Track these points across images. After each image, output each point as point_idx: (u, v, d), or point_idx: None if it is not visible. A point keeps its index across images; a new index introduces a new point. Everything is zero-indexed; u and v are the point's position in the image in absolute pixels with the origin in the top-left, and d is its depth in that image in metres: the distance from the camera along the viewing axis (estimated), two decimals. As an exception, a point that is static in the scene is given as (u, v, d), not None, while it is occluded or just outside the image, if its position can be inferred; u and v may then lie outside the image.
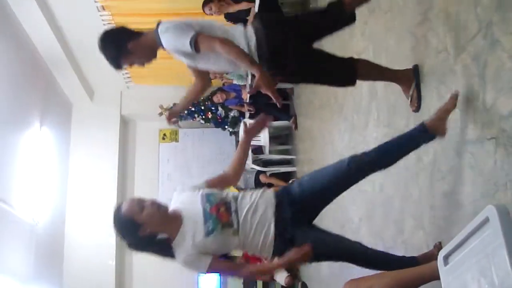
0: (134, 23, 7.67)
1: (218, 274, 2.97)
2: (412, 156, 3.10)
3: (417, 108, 3.06)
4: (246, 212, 2.74)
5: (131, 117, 10.33)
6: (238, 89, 8.61)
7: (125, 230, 2.73)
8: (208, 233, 2.66)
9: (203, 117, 9.26)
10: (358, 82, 3.14)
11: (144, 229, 2.66)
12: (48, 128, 8.40)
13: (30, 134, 7.68)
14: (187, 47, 2.86)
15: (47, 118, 8.32)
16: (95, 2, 7.25)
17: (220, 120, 9.31)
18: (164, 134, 10.46)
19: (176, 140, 10.45)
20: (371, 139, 3.97)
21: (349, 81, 3.12)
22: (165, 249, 2.76)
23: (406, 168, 3.23)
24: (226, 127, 9.46)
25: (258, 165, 8.60)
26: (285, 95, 8.40)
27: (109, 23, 7.69)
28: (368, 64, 3.16)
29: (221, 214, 2.70)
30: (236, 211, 2.74)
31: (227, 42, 2.81)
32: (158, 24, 3.03)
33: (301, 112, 7.76)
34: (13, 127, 7.16)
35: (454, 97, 2.52)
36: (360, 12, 4.17)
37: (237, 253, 8.98)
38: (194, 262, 2.69)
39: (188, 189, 2.95)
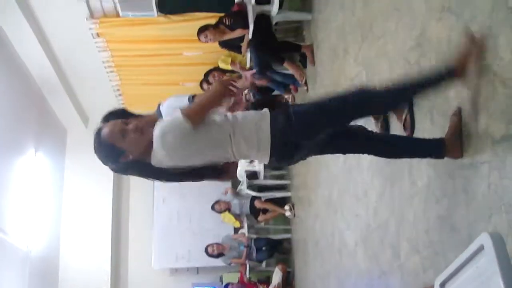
0: (128, 50, 7.81)
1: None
2: (406, 180, 3.12)
3: (410, 133, 3.08)
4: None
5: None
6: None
7: (106, 157, 2.59)
8: None
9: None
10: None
11: (127, 156, 2.54)
12: (43, 154, 8.40)
13: (24, 160, 7.67)
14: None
15: (41, 144, 8.32)
16: (90, 29, 7.29)
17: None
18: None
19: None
20: (365, 162, 3.98)
21: None
22: (151, 171, 2.60)
23: (401, 192, 3.24)
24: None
25: (253, 190, 8.58)
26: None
27: (103, 50, 7.74)
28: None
29: None
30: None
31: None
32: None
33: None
34: (8, 153, 7.14)
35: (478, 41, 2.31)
36: (353, 37, 4.24)
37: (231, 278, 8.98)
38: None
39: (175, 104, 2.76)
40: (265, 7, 6.09)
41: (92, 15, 7.14)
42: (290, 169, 8.47)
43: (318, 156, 5.28)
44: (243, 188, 8.59)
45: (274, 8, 5.88)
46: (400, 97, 2.69)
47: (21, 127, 7.65)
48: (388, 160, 3.30)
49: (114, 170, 2.67)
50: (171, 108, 3.00)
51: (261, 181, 8.64)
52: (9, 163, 7.18)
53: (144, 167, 2.60)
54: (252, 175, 8.61)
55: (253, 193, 8.56)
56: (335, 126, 2.64)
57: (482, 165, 2.25)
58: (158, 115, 3.08)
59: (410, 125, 3.08)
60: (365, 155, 3.92)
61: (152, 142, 2.47)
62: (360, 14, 4.13)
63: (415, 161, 2.99)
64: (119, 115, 2.90)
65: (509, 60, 2.05)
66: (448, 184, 2.59)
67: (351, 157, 4.39)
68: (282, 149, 2.58)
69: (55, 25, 7.16)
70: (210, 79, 7.15)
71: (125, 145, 2.53)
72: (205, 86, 7.30)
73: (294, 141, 2.56)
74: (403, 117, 3.12)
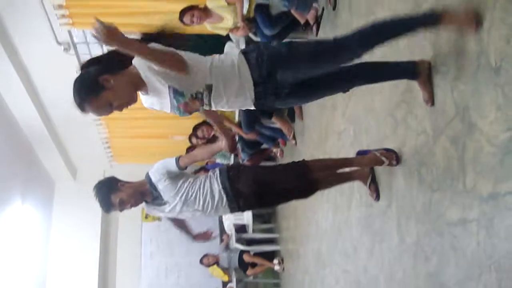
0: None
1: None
2: (395, 236, 3.10)
3: (377, 198, 3.45)
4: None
5: (113, 196, 10.22)
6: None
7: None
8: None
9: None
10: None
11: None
12: (30, 206, 8.36)
13: (11, 211, 7.62)
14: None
15: (29, 195, 8.27)
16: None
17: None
18: (147, 214, 10.35)
19: (159, 219, 10.33)
20: (354, 219, 3.97)
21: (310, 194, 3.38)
22: None
23: (389, 249, 3.21)
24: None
25: (241, 244, 8.51)
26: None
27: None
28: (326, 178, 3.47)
29: (190, 108, 2.61)
30: (210, 105, 2.61)
31: None
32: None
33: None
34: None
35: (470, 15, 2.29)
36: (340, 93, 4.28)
37: None
38: None
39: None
40: None
41: (82, 67, 7.19)
42: (278, 222, 8.42)
43: (307, 211, 5.27)
44: (232, 242, 8.52)
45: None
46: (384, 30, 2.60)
47: (8, 177, 7.60)
48: (377, 214, 3.33)
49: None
50: (159, 171, 3.26)
51: (250, 234, 8.57)
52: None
53: None
54: (240, 229, 8.56)
55: (242, 247, 8.48)
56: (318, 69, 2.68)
57: (470, 223, 2.24)
58: (147, 181, 3.33)
59: (375, 192, 3.46)
60: (354, 210, 3.92)
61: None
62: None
63: (404, 218, 2.99)
64: (108, 186, 3.33)
65: (494, 118, 2.07)
66: (437, 241, 2.58)
67: (340, 213, 4.38)
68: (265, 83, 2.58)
69: (44, 77, 7.21)
70: (199, 133, 7.16)
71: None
72: (194, 140, 7.30)
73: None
74: (367, 185, 3.49)
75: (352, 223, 4.01)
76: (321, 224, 5.07)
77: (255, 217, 8.40)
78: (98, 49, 6.89)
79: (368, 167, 3.47)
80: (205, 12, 5.76)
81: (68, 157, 9.29)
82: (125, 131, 8.58)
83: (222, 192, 3.30)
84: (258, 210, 8.31)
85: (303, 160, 3.37)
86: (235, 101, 2.60)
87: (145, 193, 3.35)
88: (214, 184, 3.34)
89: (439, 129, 2.58)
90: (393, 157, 3.14)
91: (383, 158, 3.18)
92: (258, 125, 6.45)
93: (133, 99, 2.54)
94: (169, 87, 2.46)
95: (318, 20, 5.07)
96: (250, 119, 6.25)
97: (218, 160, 8.32)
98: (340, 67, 2.74)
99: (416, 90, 2.80)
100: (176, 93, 2.49)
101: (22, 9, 6.11)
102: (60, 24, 6.24)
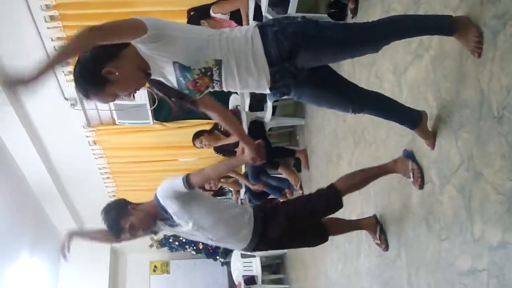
0: (124, 157, 7.89)
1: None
2: (405, 286, 3.07)
3: (385, 248, 3.43)
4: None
5: (121, 249, 10.19)
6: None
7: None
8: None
9: (194, 248, 9.19)
10: (347, 212, 3.21)
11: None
12: (38, 260, 8.30)
13: (19, 265, 7.57)
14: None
15: (36, 250, 8.22)
16: (87, 137, 7.39)
17: (211, 251, 9.22)
18: (155, 266, 10.29)
19: (168, 272, 10.27)
20: (363, 269, 3.93)
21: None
22: None
23: (401, 299, 3.18)
24: (218, 257, 9.35)
25: (251, 295, 8.41)
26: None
27: (100, 157, 7.80)
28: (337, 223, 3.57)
29: (200, 86, 2.31)
30: (220, 82, 2.32)
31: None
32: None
33: (293, 240, 7.71)
34: (2, 259, 7.05)
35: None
36: (346, 143, 4.32)
37: None
38: None
39: None
40: (258, 114, 6.20)
41: (88, 123, 7.24)
42: (288, 273, 8.33)
43: (316, 260, 5.21)
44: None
45: (267, 115, 5.99)
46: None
47: (16, 232, 7.58)
48: (386, 263, 3.30)
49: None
50: (167, 194, 3.02)
51: (259, 286, 8.47)
52: (3, 267, 7.08)
53: None
54: (249, 280, 8.46)
55: (252, 298, 8.37)
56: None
57: (481, 272, 2.22)
58: (156, 203, 3.04)
59: (384, 242, 3.45)
60: (363, 260, 3.89)
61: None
62: (352, 121, 4.22)
63: (413, 268, 2.96)
64: (117, 210, 3.06)
65: (499, 167, 2.08)
66: (448, 292, 2.55)
67: (349, 263, 4.34)
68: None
69: (52, 132, 7.26)
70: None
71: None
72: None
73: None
74: (377, 235, 3.49)
75: (362, 273, 3.97)
76: (331, 274, 5.02)
77: (264, 268, 8.32)
78: (105, 104, 6.97)
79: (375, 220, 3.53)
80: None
81: (76, 211, 9.27)
82: (132, 184, 8.59)
83: (251, 232, 3.17)
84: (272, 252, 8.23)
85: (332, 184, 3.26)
86: (248, 80, 2.30)
87: (156, 216, 3.09)
88: (244, 219, 3.18)
89: (445, 178, 2.58)
90: (419, 180, 2.90)
91: (411, 174, 2.94)
92: (264, 175, 6.45)
93: (141, 84, 2.33)
94: (173, 63, 2.21)
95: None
96: (257, 170, 6.26)
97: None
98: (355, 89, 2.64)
99: (420, 141, 2.82)
100: (183, 69, 2.22)
101: (26, 65, 6.17)
102: (67, 80, 6.33)
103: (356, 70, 4.08)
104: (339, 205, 3.18)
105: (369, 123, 3.76)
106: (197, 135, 6.45)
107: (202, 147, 6.52)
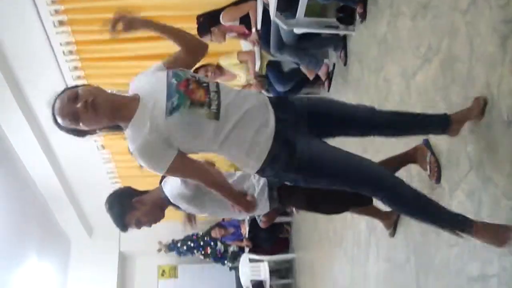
0: (132, 161, 7.88)
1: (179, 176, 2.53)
2: (415, 292, 3.05)
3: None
4: (235, 96, 2.21)
5: (129, 253, 10.21)
6: (237, 225, 8.63)
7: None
8: (171, 111, 2.09)
9: (202, 252, 9.18)
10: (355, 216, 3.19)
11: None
12: (46, 263, 8.34)
13: (27, 269, 7.59)
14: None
15: (45, 253, 8.26)
16: (95, 141, 7.41)
17: (219, 256, 9.21)
18: (163, 270, 10.29)
19: (176, 276, 10.26)
20: (372, 274, 3.91)
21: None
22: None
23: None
24: (226, 262, 9.34)
25: (259, 300, 8.38)
26: (283, 230, 8.47)
27: (108, 161, 7.83)
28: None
29: (191, 91, 2.14)
30: (218, 92, 2.17)
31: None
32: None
33: (301, 246, 7.70)
34: (10, 262, 7.09)
35: (481, 102, 2.28)
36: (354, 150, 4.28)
37: None
38: (153, 152, 2.19)
39: (149, 73, 2.34)
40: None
41: (98, 129, 7.28)
42: (296, 278, 8.32)
43: (325, 265, 5.19)
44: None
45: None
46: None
47: (24, 235, 7.62)
48: (395, 268, 3.27)
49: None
50: (175, 200, 2.89)
51: (268, 291, 8.46)
52: (12, 271, 7.12)
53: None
54: (258, 285, 8.44)
55: (260, 304, 8.34)
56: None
57: (491, 278, 2.21)
58: (165, 199, 2.92)
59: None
60: (372, 265, 3.87)
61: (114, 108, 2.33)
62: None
63: (423, 273, 2.94)
64: (120, 205, 2.93)
65: (509, 172, 2.06)
66: (458, 298, 2.53)
67: (357, 268, 4.32)
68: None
69: (60, 136, 7.25)
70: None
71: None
72: None
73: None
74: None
75: (371, 279, 3.94)
76: (339, 280, 4.99)
77: (272, 273, 8.30)
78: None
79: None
80: (220, 69, 5.87)
81: (84, 215, 9.31)
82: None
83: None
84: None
85: None
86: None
87: (164, 206, 2.96)
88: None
89: (454, 183, 2.56)
90: (435, 174, 2.77)
91: (428, 167, 2.82)
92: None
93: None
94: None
95: (329, 76, 5.08)
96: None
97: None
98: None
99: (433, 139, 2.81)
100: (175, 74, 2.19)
101: (35, 68, 6.21)
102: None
103: (365, 74, 4.08)
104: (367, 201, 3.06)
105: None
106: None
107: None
